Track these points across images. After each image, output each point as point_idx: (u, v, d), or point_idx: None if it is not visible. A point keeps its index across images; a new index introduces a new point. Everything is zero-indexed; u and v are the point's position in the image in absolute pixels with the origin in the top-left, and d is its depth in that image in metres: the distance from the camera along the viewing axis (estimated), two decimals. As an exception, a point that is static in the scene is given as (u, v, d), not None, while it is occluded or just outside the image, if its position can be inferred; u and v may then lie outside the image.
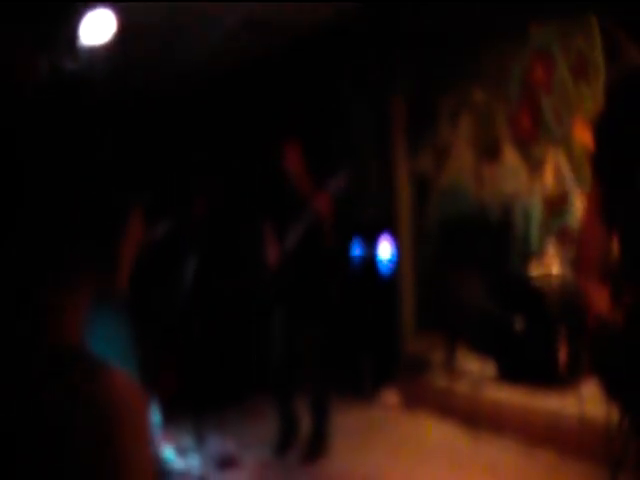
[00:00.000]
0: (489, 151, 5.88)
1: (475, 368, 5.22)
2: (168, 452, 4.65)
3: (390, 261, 6.03)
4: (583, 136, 5.39)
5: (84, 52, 3.81)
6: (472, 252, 5.92)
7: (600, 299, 2.09)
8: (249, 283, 4.91)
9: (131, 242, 0.96)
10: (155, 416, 4.36)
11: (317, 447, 4.68)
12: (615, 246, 2.26)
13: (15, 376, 0.84)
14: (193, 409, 4.37)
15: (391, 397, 5.53)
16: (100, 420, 0.82)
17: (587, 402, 4.08)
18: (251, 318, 5.06)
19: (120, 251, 0.94)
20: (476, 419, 4.86)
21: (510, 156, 5.91)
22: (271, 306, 4.60)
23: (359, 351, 5.70)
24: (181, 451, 4.75)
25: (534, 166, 5.70)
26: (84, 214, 0.90)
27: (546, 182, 5.66)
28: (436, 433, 4.97)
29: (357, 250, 6.20)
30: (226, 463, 4.62)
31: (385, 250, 6.04)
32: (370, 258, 6.09)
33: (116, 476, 0.82)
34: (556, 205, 5.60)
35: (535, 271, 4.89)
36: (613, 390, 2.22)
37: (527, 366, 4.78)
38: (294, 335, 4.51)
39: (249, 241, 4.80)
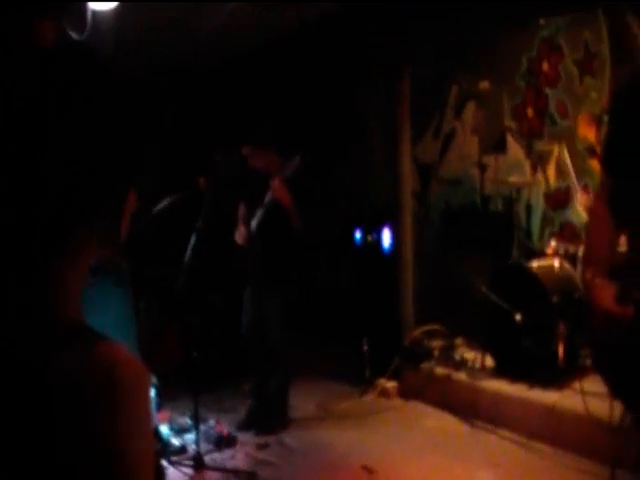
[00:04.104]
0: (494, 141, 5.87)
1: (474, 359, 5.22)
2: (165, 430, 4.66)
3: (391, 248, 6.03)
4: (587, 131, 5.38)
5: (92, 21, 3.79)
6: (474, 242, 5.92)
7: (607, 294, 2.08)
8: (229, 261, 5.11)
9: (126, 216, 0.97)
10: (153, 393, 4.37)
11: (278, 424, 4.95)
12: (623, 241, 2.25)
13: (17, 347, 0.84)
14: (191, 388, 4.38)
15: (390, 386, 5.54)
16: (101, 392, 0.82)
17: (586, 397, 4.09)
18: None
19: (120, 224, 0.95)
20: (474, 409, 4.88)
21: (514, 148, 5.91)
22: (243, 281, 5.04)
23: (359, 339, 5.71)
24: (178, 430, 4.77)
25: (538, 159, 5.69)
26: (91, 186, 0.89)
27: (549, 176, 5.66)
28: (434, 422, 4.99)
29: (360, 236, 6.21)
30: (223, 443, 4.64)
31: (387, 238, 6.04)
32: (373, 245, 6.09)
33: (118, 445, 0.82)
34: (559, 199, 5.60)
35: (537, 264, 4.88)
36: (617, 386, 2.21)
37: (526, 359, 4.78)
38: (261, 304, 4.90)
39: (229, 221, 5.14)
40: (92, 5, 3.96)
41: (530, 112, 5.80)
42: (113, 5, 4.21)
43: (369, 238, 6.16)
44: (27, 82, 0.87)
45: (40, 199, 0.86)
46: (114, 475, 0.82)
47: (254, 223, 4.87)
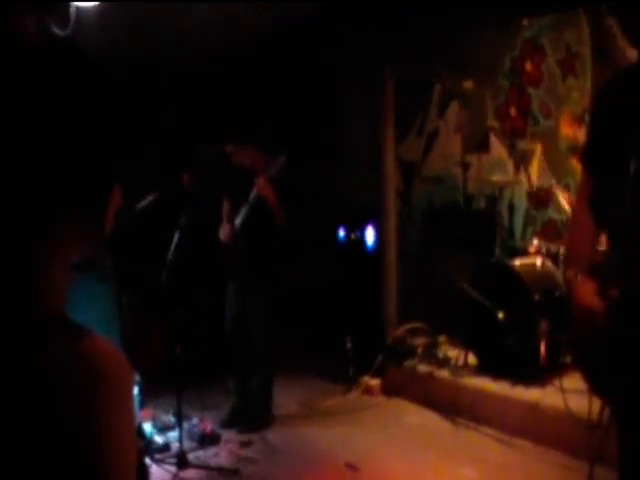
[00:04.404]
0: (477, 141, 5.90)
1: (457, 356, 5.25)
2: (148, 428, 4.66)
3: (374, 247, 6.05)
4: (569, 130, 5.43)
5: (75, 16, 3.79)
6: (456, 240, 5.95)
7: (587, 292, 2.11)
8: (213, 257, 5.13)
9: (110, 210, 0.97)
10: (136, 391, 4.36)
11: (261, 421, 4.96)
12: (603, 239, 2.28)
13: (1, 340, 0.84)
14: (174, 385, 4.38)
15: (374, 384, 5.56)
16: (85, 384, 0.82)
17: (567, 394, 4.13)
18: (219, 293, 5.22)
19: (104, 220, 0.96)
20: (457, 407, 4.91)
21: (497, 147, 5.94)
22: (227, 277, 5.06)
23: (343, 337, 5.73)
24: (161, 427, 4.77)
25: (520, 158, 5.73)
26: (76, 179, 0.90)
27: (532, 175, 5.70)
28: (417, 420, 5.02)
29: (344, 235, 6.22)
30: (206, 440, 4.65)
31: (370, 236, 6.06)
32: (356, 244, 6.11)
33: (100, 437, 0.82)
34: (541, 198, 5.64)
35: (519, 262, 4.92)
36: (595, 384, 2.24)
37: (508, 357, 4.81)
38: (244, 301, 4.92)
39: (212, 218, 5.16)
40: (76, 2, 3.95)
41: (513, 111, 5.84)
42: (96, 2, 4.20)
43: (353, 236, 6.18)
44: (15, 79, 0.87)
45: (28, 193, 0.87)
46: (97, 470, 0.82)
47: (238, 220, 4.88)
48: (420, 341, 5.65)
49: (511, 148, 5.84)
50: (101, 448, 0.82)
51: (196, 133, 6.35)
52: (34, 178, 0.87)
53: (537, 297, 4.63)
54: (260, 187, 4.72)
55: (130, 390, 0.90)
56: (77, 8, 4.05)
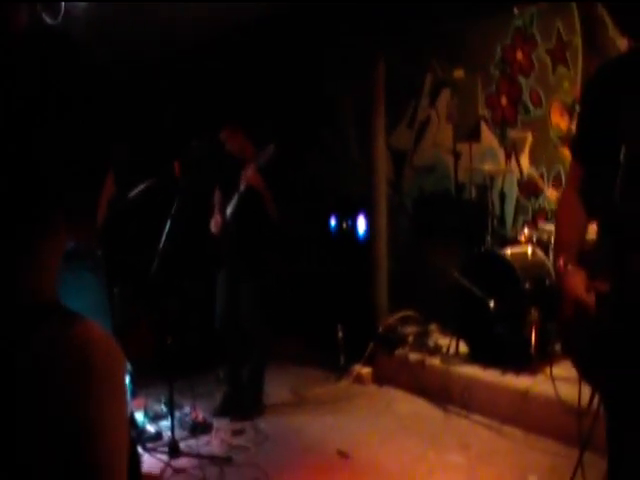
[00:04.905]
0: (468, 129, 5.91)
1: (448, 345, 5.27)
2: (140, 417, 4.67)
3: (365, 236, 6.06)
4: (559, 120, 5.44)
5: (64, 6, 3.76)
6: (448, 229, 5.96)
7: (576, 281, 2.12)
8: (204, 246, 5.14)
9: (103, 198, 0.97)
10: (128, 379, 4.36)
11: (252, 409, 4.97)
12: (593, 228, 2.29)
13: None
14: (166, 374, 4.39)
15: (365, 372, 5.58)
16: (76, 369, 0.82)
17: (557, 382, 4.15)
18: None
19: (97, 208, 0.96)
20: (448, 395, 4.93)
21: (488, 136, 5.95)
22: (218, 266, 5.06)
23: (334, 325, 5.75)
24: (153, 416, 4.78)
25: (511, 147, 5.74)
26: (76, 179, 0.90)
27: (522, 164, 5.72)
28: (408, 408, 5.04)
29: (335, 223, 6.23)
30: (198, 429, 4.66)
31: (361, 225, 6.07)
32: (348, 232, 6.12)
33: (92, 423, 0.82)
34: (532, 187, 5.66)
35: (510, 251, 4.94)
36: (585, 371, 2.26)
37: (499, 345, 4.84)
38: (235, 289, 4.94)
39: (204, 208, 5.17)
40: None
41: (504, 101, 5.85)
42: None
43: (344, 225, 6.18)
44: (15, 78, 0.87)
45: (21, 182, 0.87)
46: (88, 457, 0.81)
47: (229, 210, 4.89)
48: (411, 329, 5.67)
49: (502, 137, 5.86)
50: (93, 434, 0.82)
51: (190, 128, 6.32)
52: (34, 178, 0.87)
53: (528, 286, 4.65)
54: (249, 176, 4.71)
55: (122, 376, 0.90)
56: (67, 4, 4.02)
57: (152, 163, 4.70)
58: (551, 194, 5.45)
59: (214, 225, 4.98)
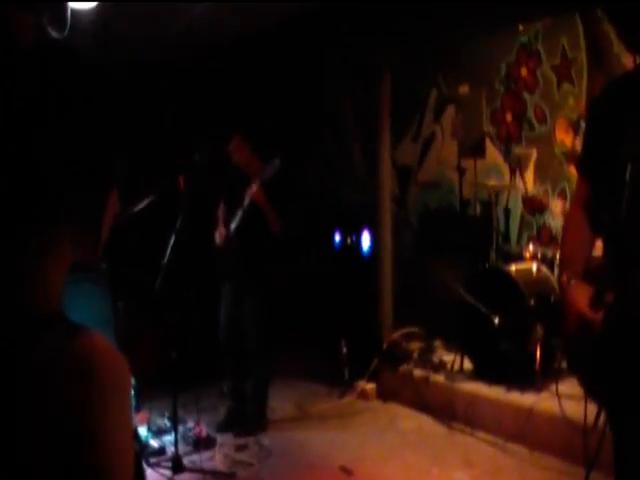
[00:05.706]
0: (472, 145, 5.92)
1: (452, 361, 5.25)
2: (143, 432, 4.65)
3: (370, 251, 6.06)
4: (564, 136, 5.45)
5: (70, 18, 3.78)
6: (452, 245, 5.96)
7: (579, 296, 2.11)
8: (208, 260, 5.14)
9: (108, 214, 0.97)
10: (132, 392, 4.35)
11: (256, 425, 4.94)
12: (599, 245, 2.29)
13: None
14: (169, 389, 4.37)
15: (369, 388, 5.56)
16: (80, 380, 0.82)
17: (562, 399, 4.13)
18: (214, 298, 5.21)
19: (102, 219, 0.96)
20: (452, 411, 4.91)
21: (493, 152, 5.96)
22: (222, 280, 5.07)
23: (338, 340, 5.73)
24: (156, 431, 4.76)
25: (516, 163, 5.74)
26: (76, 179, 0.91)
27: (527, 180, 5.72)
28: (412, 424, 5.02)
29: (340, 239, 6.23)
30: (201, 444, 4.64)
31: (366, 240, 6.07)
32: (352, 248, 6.12)
33: (97, 435, 0.82)
34: (536, 203, 5.66)
35: (514, 267, 4.93)
36: (590, 388, 2.25)
37: (503, 362, 4.82)
38: (239, 303, 4.93)
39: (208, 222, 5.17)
40: (72, 4, 3.94)
41: (508, 117, 5.86)
42: (93, 4, 4.19)
43: (348, 241, 6.18)
44: (16, 79, 0.88)
45: (28, 193, 0.87)
46: (94, 467, 0.82)
47: (233, 225, 4.88)
48: (415, 345, 5.66)
49: (506, 153, 5.86)
50: (98, 445, 0.82)
51: (193, 133, 6.34)
52: (34, 178, 0.87)
53: (532, 302, 4.63)
54: (253, 193, 4.71)
55: (127, 387, 0.90)
56: (73, 10, 4.04)
57: (154, 176, 4.70)
58: (556, 210, 5.45)
59: (218, 236, 4.98)
